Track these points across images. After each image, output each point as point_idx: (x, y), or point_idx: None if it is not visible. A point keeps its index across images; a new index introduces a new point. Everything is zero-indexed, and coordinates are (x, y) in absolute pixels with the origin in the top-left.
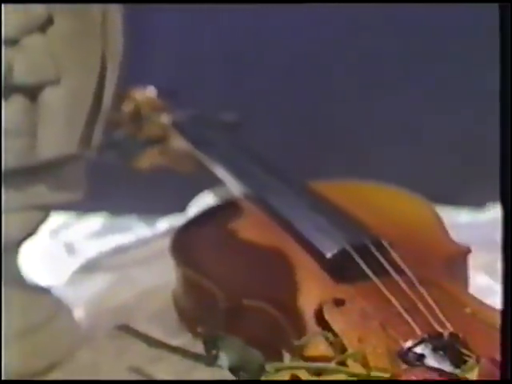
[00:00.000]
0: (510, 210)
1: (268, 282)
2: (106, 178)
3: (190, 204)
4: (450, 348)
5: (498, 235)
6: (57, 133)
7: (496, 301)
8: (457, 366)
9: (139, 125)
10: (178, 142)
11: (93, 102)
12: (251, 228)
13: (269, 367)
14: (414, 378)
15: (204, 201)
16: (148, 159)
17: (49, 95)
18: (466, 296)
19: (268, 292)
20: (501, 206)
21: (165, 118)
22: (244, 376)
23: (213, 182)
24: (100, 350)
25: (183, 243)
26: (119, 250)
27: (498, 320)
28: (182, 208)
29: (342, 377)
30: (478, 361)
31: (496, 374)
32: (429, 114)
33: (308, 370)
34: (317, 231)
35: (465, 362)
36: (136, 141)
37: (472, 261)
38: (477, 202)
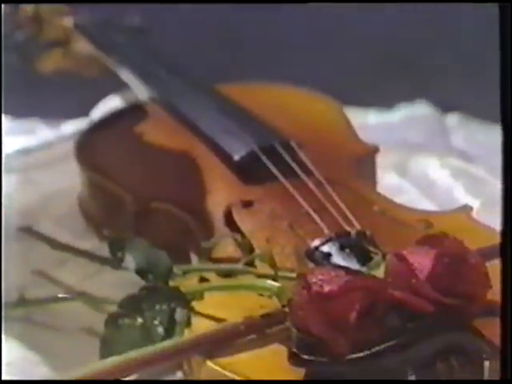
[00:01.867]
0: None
1: (176, 185)
2: (8, 80)
3: (95, 107)
4: (357, 246)
5: (407, 135)
6: None
7: (405, 199)
8: (363, 263)
9: (40, 27)
10: (82, 45)
11: None
12: (158, 131)
13: (177, 269)
14: (320, 276)
15: (109, 104)
16: (51, 62)
17: None
18: (374, 195)
19: (176, 195)
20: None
21: (67, 21)
22: (151, 278)
23: (118, 86)
24: (4, 252)
25: (88, 147)
26: (22, 153)
27: (406, 216)
28: (86, 112)
29: (249, 277)
30: (384, 257)
31: (401, 269)
32: (339, 14)
33: (216, 271)
34: (224, 133)
35: (371, 259)
36: (37, 43)
37: (381, 161)
38: (386, 102)
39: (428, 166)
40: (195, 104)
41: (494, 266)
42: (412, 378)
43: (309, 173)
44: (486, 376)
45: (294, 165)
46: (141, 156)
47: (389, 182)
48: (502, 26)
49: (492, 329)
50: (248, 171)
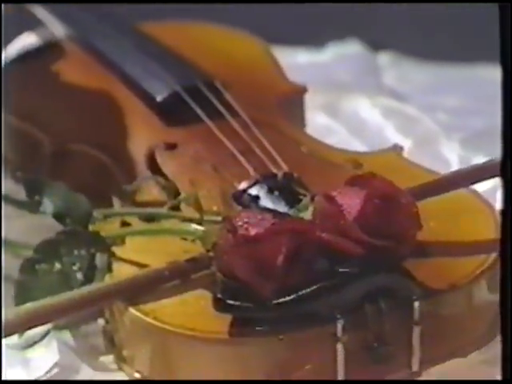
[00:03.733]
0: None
1: (95, 126)
2: None
3: (9, 45)
4: (285, 188)
5: (337, 74)
6: None
7: (334, 139)
8: (291, 205)
9: None
10: None
11: None
12: (76, 70)
13: (97, 213)
14: (246, 219)
15: (24, 42)
16: None
17: None
18: (302, 136)
19: (95, 136)
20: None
21: None
22: (70, 223)
23: (33, 23)
24: None
25: (1, 87)
26: None
27: (335, 157)
28: None
29: (174, 222)
30: (312, 199)
31: (330, 211)
32: None
33: (139, 216)
34: (146, 74)
35: (299, 201)
36: None
37: (310, 101)
38: (316, 41)
39: (358, 106)
40: (115, 43)
41: (425, 206)
42: (340, 322)
43: (234, 114)
44: (416, 317)
45: (218, 105)
46: (58, 96)
47: (318, 122)
48: (502, 26)
49: (422, 270)
50: (171, 113)
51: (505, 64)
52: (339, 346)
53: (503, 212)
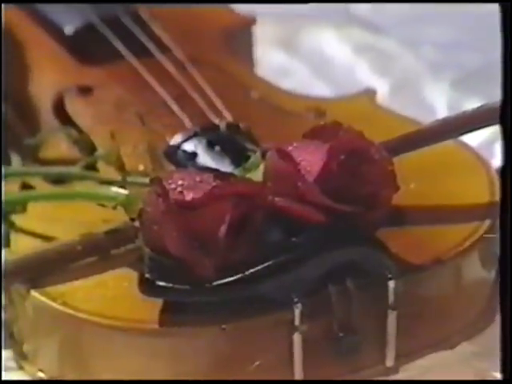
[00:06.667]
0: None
1: None
2: None
3: None
4: (229, 142)
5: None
6: None
7: (292, 82)
8: (237, 164)
9: None
10: None
11: None
12: None
13: None
14: (180, 181)
15: None
16: None
17: None
18: (251, 78)
19: None
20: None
21: None
22: None
23: None
24: None
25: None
26: None
27: (292, 104)
28: None
29: (89, 184)
30: (263, 155)
31: (284, 170)
32: None
33: (44, 176)
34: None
35: (247, 158)
36: None
37: (261, 34)
38: None
39: (322, 40)
40: None
41: (403, 163)
42: (297, 307)
43: (165, 50)
44: (392, 300)
45: (145, 40)
46: None
47: (271, 60)
48: (503, 26)
49: (399, 241)
50: (85, 48)
51: (506, 64)
52: (296, 337)
53: (503, 169)
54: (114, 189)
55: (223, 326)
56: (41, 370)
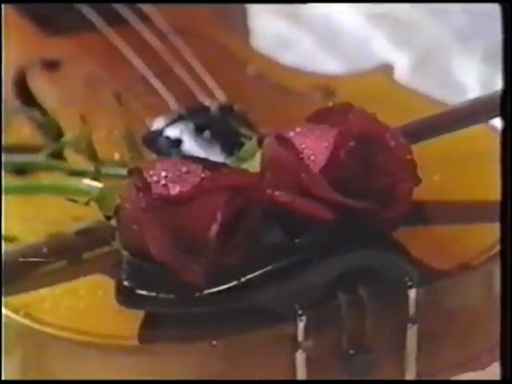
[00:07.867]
0: None
1: None
2: None
3: None
4: (220, 126)
5: None
6: None
7: (295, 56)
8: (230, 152)
9: None
10: None
11: None
12: None
13: None
14: (164, 173)
15: None
16: None
17: None
18: (247, 51)
19: None
20: None
21: None
22: None
23: None
24: None
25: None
26: None
27: (296, 82)
28: None
29: (57, 176)
30: (260, 142)
31: (286, 159)
32: None
33: (4, 166)
34: None
35: (241, 145)
36: None
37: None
38: None
39: (331, 8)
40: None
41: (425, 151)
42: (301, 319)
43: (145, 18)
44: (412, 312)
45: (121, 7)
46: None
47: (271, 31)
48: (503, 26)
49: (421, 243)
50: (51, 17)
51: (507, 63)
52: (300, 355)
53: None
54: (86, 181)
55: (214, 342)
56: None
